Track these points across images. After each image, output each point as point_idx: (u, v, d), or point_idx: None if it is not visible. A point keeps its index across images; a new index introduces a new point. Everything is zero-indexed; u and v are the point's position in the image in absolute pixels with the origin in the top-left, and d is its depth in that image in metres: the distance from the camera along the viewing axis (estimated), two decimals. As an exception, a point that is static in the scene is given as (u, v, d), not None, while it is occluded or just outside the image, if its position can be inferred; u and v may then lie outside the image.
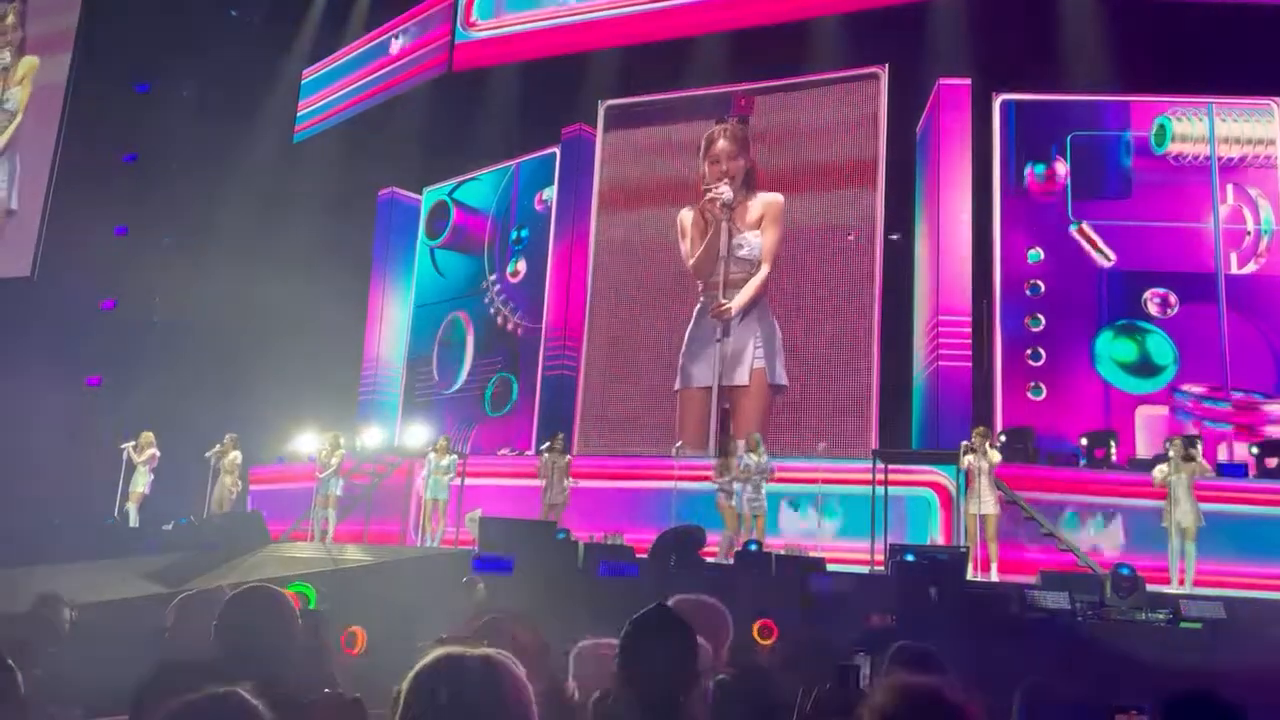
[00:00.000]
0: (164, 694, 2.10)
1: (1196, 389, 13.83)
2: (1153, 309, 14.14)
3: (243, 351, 17.93)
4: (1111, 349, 14.20)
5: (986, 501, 11.12)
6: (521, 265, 18.43)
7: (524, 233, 18.68)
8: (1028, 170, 14.84)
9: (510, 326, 18.36)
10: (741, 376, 15.86)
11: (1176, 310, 14.07)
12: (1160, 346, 14.04)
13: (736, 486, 11.99)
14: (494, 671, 1.79)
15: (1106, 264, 14.49)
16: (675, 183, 17.20)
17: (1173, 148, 14.64)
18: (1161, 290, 14.16)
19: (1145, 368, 13.93)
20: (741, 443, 12.47)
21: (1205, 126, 14.70)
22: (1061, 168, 14.73)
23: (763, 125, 16.81)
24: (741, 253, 16.27)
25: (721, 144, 16.76)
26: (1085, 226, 14.59)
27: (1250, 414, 13.75)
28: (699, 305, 16.54)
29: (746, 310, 16.06)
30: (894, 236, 15.33)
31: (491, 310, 18.72)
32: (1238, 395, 13.66)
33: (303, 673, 2.74)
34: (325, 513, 14.00)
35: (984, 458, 11.18)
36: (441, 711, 1.74)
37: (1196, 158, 14.69)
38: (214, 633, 2.58)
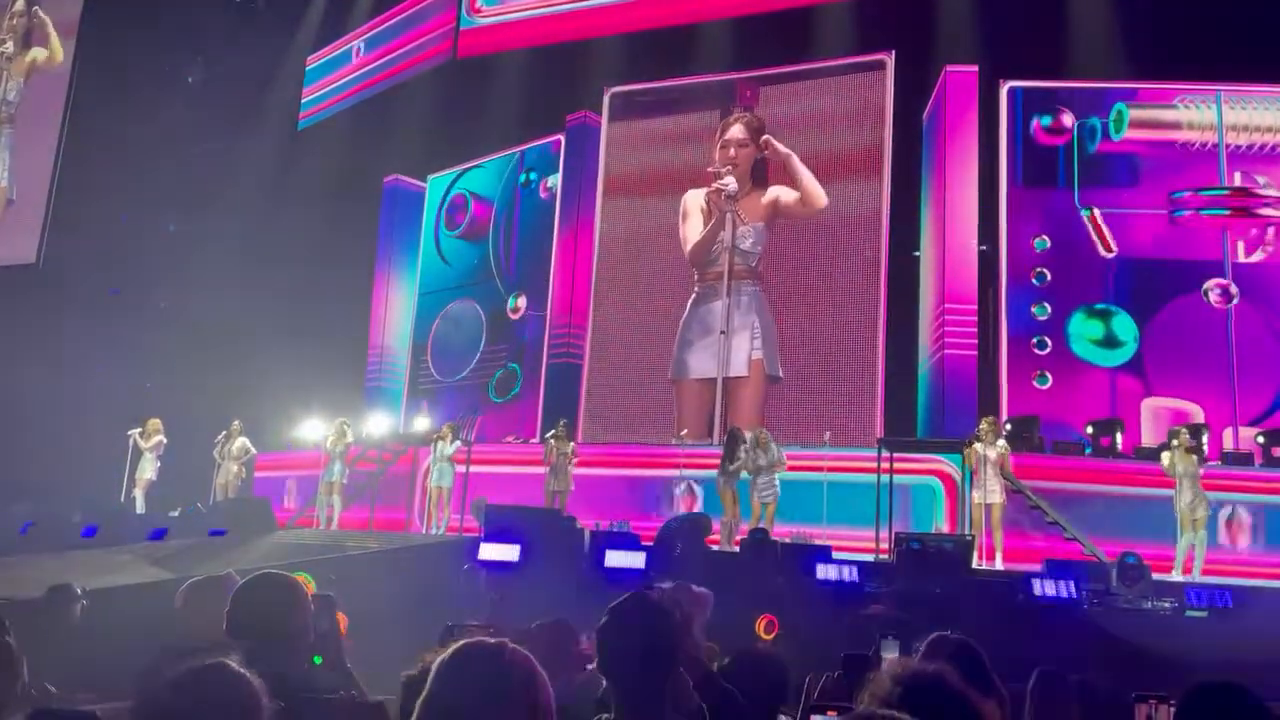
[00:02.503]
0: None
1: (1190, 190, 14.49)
2: (1214, 299, 14.20)
3: (248, 338, 17.92)
4: (1083, 329, 14.53)
5: (992, 490, 11.13)
6: (521, 302, 18.20)
7: (533, 174, 18.54)
8: (1034, 123, 14.98)
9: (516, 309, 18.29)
10: (739, 367, 15.84)
11: (1238, 300, 14.12)
12: (1123, 324, 14.45)
13: (745, 475, 11.98)
14: (517, 666, 1.78)
15: (1107, 254, 14.50)
16: (680, 171, 17.12)
17: (1134, 133, 14.72)
18: (1224, 280, 14.22)
19: (1110, 343, 14.50)
20: (750, 434, 12.41)
21: (1214, 114, 14.63)
22: (1068, 118, 14.91)
23: (768, 114, 16.71)
24: (745, 245, 16.21)
25: (735, 130, 16.67)
26: (1096, 214, 14.55)
27: (1245, 198, 14.38)
28: (693, 296, 16.50)
29: (743, 303, 16.01)
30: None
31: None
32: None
33: (313, 658, 2.74)
34: (331, 499, 14.04)
35: (991, 447, 11.18)
36: (461, 704, 1.73)
37: (1204, 145, 14.63)
38: (225, 619, 2.58)
